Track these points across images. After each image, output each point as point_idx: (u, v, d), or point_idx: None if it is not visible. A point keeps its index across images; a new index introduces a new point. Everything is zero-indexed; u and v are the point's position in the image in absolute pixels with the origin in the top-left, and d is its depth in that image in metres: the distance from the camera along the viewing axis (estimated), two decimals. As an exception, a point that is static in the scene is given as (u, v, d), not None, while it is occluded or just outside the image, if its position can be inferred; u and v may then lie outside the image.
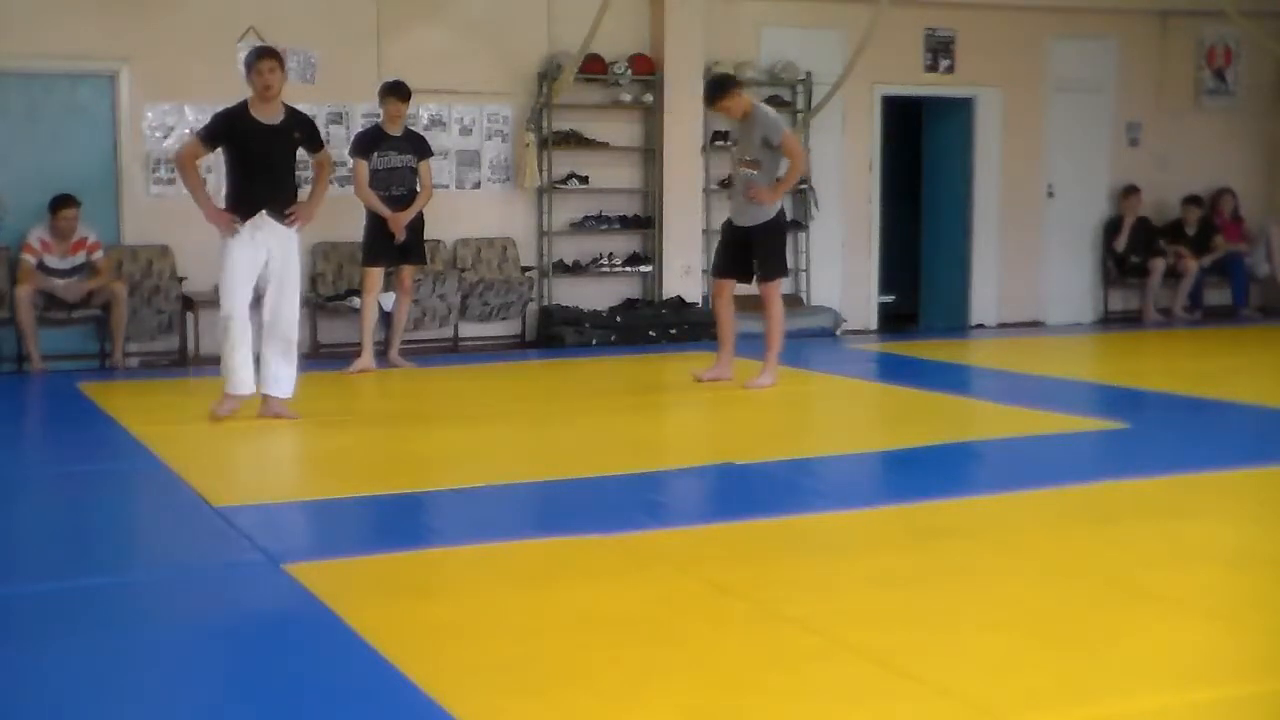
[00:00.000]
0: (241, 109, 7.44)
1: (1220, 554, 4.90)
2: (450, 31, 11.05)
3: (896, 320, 13.05)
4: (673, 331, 11.24)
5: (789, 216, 11.82)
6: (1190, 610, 4.25)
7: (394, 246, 9.59)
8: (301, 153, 7.63)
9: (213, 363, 8.11)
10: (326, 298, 10.56)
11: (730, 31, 11.76)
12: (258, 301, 7.44)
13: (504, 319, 11.20)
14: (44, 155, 10.05)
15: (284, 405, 7.51)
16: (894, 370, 10.25)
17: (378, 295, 9.73)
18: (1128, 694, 3.52)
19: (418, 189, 9.74)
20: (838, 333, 12.01)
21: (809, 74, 12.00)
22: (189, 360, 9.99)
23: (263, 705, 3.49)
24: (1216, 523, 5.35)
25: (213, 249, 7.55)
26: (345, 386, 9.12)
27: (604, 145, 11.51)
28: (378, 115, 10.00)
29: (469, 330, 11.14)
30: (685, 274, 11.63)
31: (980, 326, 12.88)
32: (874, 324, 12.61)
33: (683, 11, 11.51)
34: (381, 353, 9.86)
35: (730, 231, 8.79)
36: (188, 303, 10.01)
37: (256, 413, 7.46)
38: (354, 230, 9.96)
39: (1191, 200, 13.29)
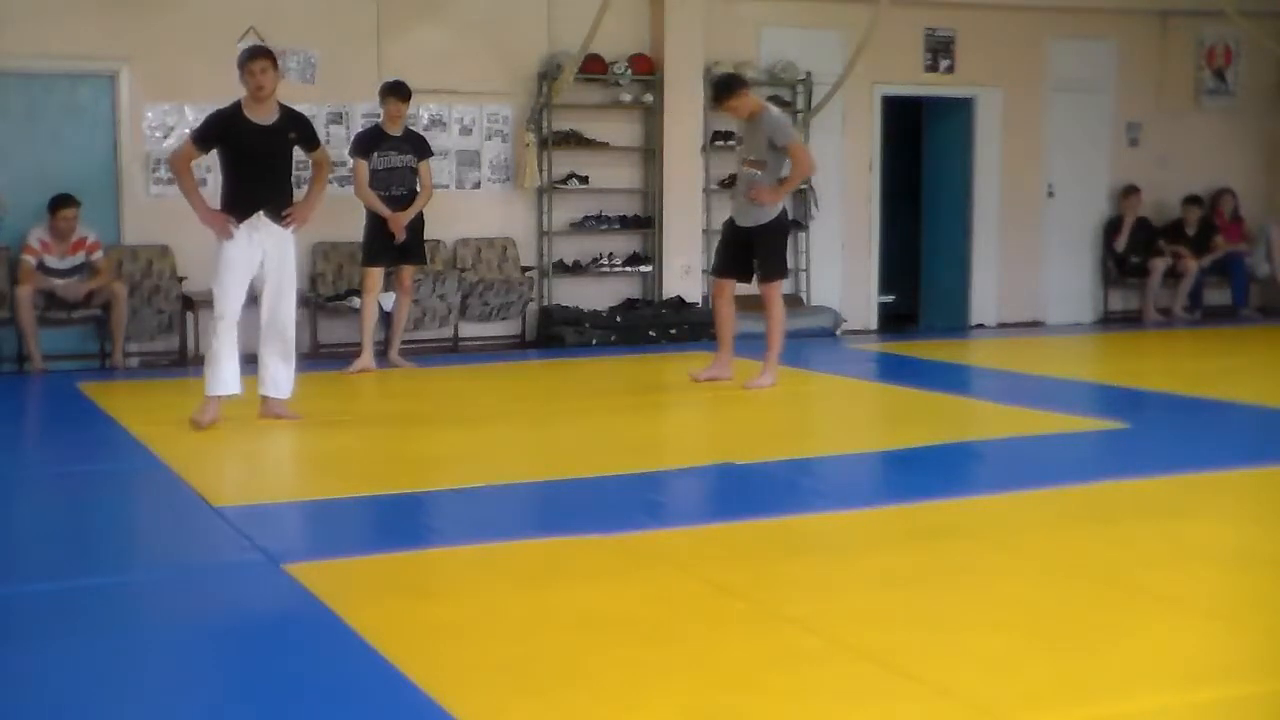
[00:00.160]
0: (235, 110, 7.37)
1: (1220, 554, 4.90)
2: (450, 31, 11.05)
3: (896, 320, 13.05)
4: (673, 331, 11.24)
5: (790, 216, 11.87)
6: (1190, 610, 4.25)
7: (394, 246, 9.59)
8: (301, 152, 7.60)
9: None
10: (326, 298, 10.56)
11: (730, 31, 11.76)
12: (254, 302, 7.39)
13: (504, 319, 11.20)
14: (44, 155, 10.05)
15: (284, 406, 7.50)
16: (894, 370, 10.25)
17: (378, 295, 9.73)
18: (1128, 694, 3.52)
19: (418, 189, 9.74)
20: (838, 333, 12.01)
21: (809, 74, 12.00)
22: (189, 360, 9.98)
23: (263, 705, 3.49)
24: (1216, 523, 5.35)
25: (213, 249, 7.50)
26: (345, 386, 9.12)
27: (604, 145, 11.51)
28: (378, 115, 10.00)
29: (469, 330, 11.14)
30: (685, 274, 11.63)
31: (980, 326, 12.88)
32: (874, 324, 12.61)
33: (683, 11, 11.51)
34: (381, 353, 9.86)
35: (731, 231, 8.79)
36: (188, 303, 10.02)
37: (257, 413, 7.45)
38: (354, 230, 9.96)
39: (1191, 200, 13.29)
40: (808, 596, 4.38)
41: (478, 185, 11.26)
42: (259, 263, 7.29)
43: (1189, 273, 13.07)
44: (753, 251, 8.61)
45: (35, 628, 4.14)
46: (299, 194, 7.69)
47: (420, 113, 10.74)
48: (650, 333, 11.21)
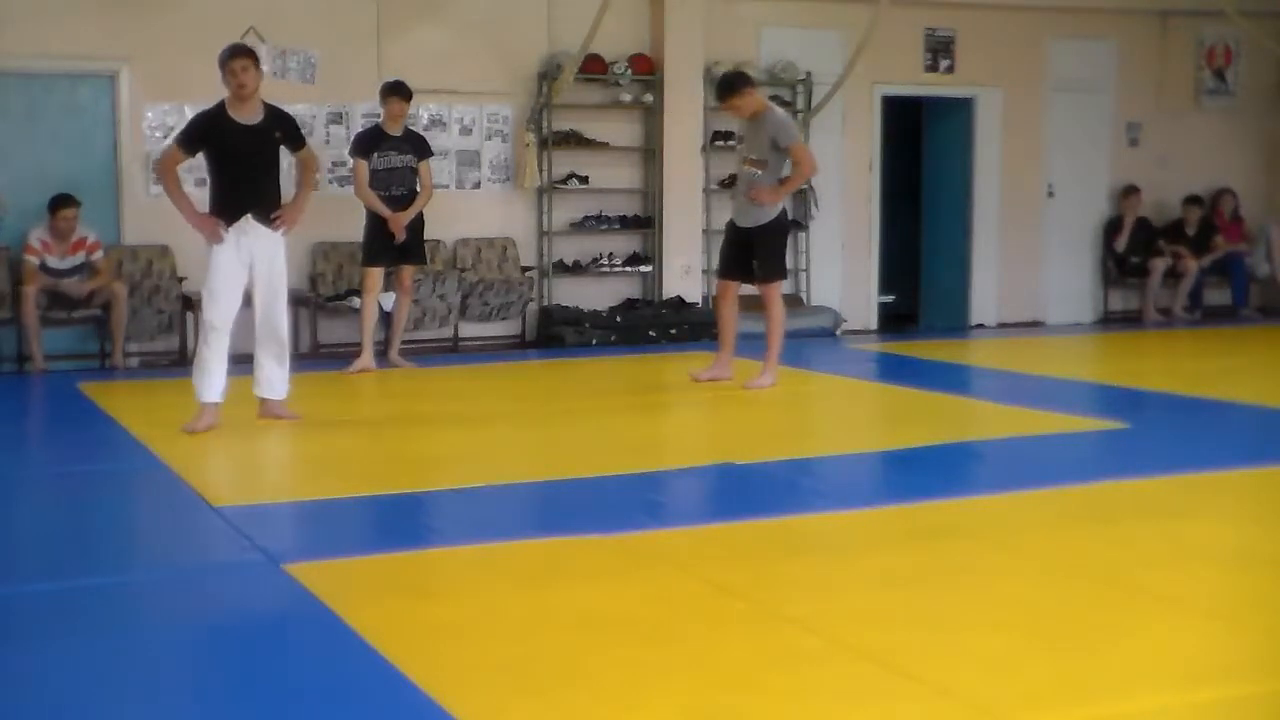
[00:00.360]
0: (219, 110, 7.25)
1: (1220, 554, 4.90)
2: (450, 31, 11.05)
3: (896, 320, 13.05)
4: (673, 331, 11.24)
5: (790, 217, 11.88)
6: (1190, 610, 4.25)
7: (394, 246, 9.59)
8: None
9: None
10: (326, 298, 10.56)
11: (730, 31, 11.76)
12: (248, 304, 7.32)
13: (504, 319, 11.20)
14: (44, 155, 10.05)
15: (284, 406, 7.49)
16: (894, 370, 10.25)
17: (378, 295, 9.73)
18: (1128, 694, 3.52)
19: (418, 189, 9.74)
20: (838, 333, 12.01)
21: (809, 74, 12.00)
22: (189, 360, 9.95)
23: (263, 705, 3.49)
24: (1216, 523, 5.35)
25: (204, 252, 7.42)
26: (345, 386, 9.12)
27: (604, 145, 11.51)
28: (378, 115, 10.00)
29: (469, 330, 11.14)
30: (685, 274, 11.63)
31: (980, 326, 12.88)
32: (874, 324, 12.61)
33: (683, 11, 11.51)
34: (381, 353, 9.86)
35: (733, 232, 8.79)
36: (188, 303, 10.01)
37: (256, 414, 7.45)
38: (354, 230, 9.96)
39: (1192, 200, 13.29)
40: (808, 596, 4.38)
41: (478, 185, 11.26)
42: (250, 266, 7.19)
43: (1189, 273, 13.07)
44: (752, 252, 8.61)
45: (35, 628, 4.14)
46: (291, 195, 7.61)
47: (420, 113, 10.74)
48: (650, 333, 11.21)
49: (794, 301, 11.81)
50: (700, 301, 11.57)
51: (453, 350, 11.01)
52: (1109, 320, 13.34)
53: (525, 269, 11.28)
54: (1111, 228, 13.19)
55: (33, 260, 9.62)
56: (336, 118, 10.74)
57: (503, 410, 8.14)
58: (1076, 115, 13.08)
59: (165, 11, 10.18)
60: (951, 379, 9.42)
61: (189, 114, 9.93)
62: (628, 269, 11.64)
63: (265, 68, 10.39)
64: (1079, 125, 13.11)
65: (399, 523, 5.51)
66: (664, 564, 4.72)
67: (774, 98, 11.47)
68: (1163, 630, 4.04)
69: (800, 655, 3.81)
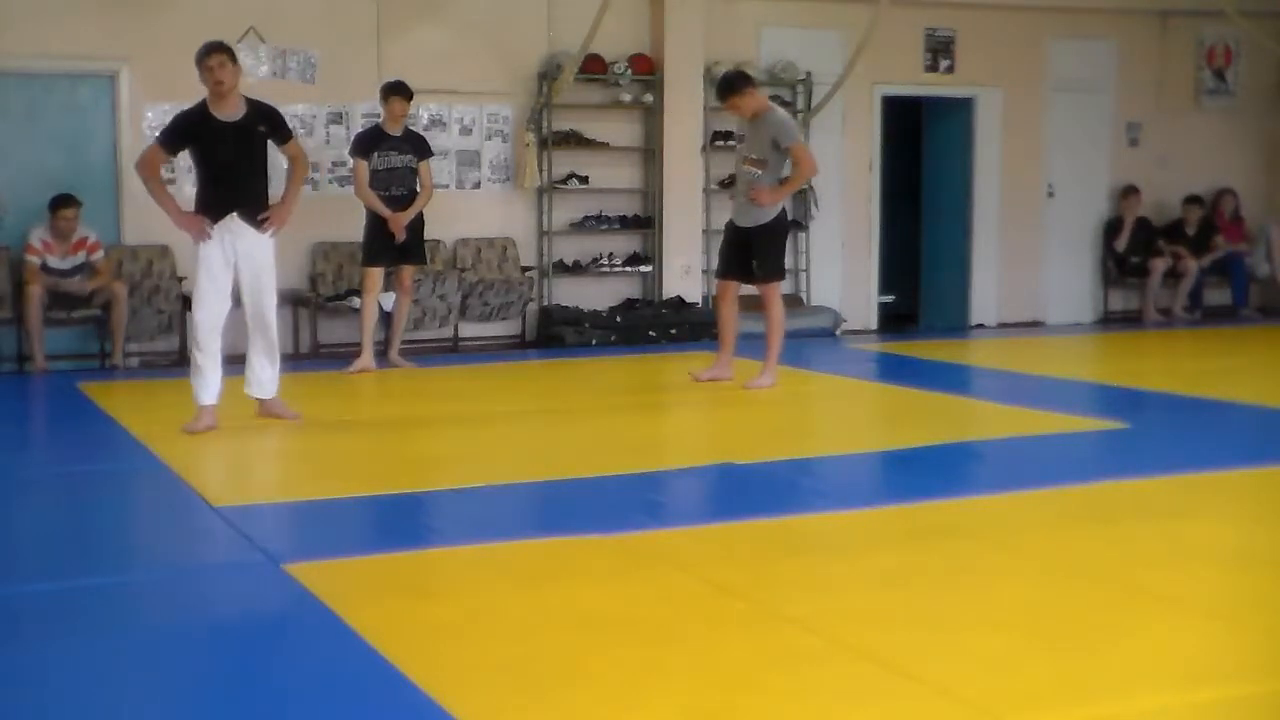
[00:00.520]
0: (200, 108, 7.15)
1: (1220, 554, 4.90)
2: (450, 31, 11.05)
3: (896, 320, 13.05)
4: (673, 331, 11.24)
5: (790, 217, 11.88)
6: (1190, 610, 4.25)
7: (394, 246, 9.59)
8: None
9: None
10: (326, 298, 10.56)
11: (730, 31, 11.76)
12: (239, 303, 7.26)
13: (504, 319, 11.20)
14: (44, 155, 10.05)
15: (282, 405, 7.47)
16: (894, 370, 10.25)
17: (378, 295, 9.73)
18: (1128, 694, 3.52)
19: (418, 189, 9.74)
20: (838, 333, 12.01)
21: (809, 74, 12.00)
22: (189, 360, 9.96)
23: (263, 705, 3.49)
24: (1216, 523, 5.35)
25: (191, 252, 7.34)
26: (345, 386, 9.12)
27: (604, 145, 11.51)
28: (378, 115, 10.01)
29: (469, 330, 11.14)
30: (685, 274, 11.63)
31: (980, 326, 12.88)
32: (874, 324, 12.62)
33: (683, 11, 11.51)
34: (381, 353, 9.86)
35: (732, 232, 8.79)
36: (187, 303, 9.95)
37: (255, 413, 7.44)
38: (354, 230, 9.96)
39: (1192, 200, 13.29)
40: (808, 596, 4.38)
41: (478, 185, 11.26)
42: (235, 265, 7.12)
43: (1189, 273, 13.07)
44: (751, 252, 8.61)
45: (35, 628, 4.14)
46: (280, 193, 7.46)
47: (420, 113, 10.74)
48: (650, 333, 11.21)
49: (794, 301, 11.81)
50: (700, 301, 11.57)
51: (453, 350, 11.01)
52: (1109, 320, 13.34)
53: (525, 269, 11.28)
54: (1111, 228, 13.19)
55: (34, 260, 9.63)
56: (336, 118, 10.74)
57: (503, 410, 8.14)
58: (1076, 115, 13.08)
59: (165, 11, 10.18)
60: (951, 379, 9.42)
61: (187, 114, 10.06)
62: (628, 269, 11.64)
63: (265, 68, 10.52)
64: (1079, 125, 13.12)
65: (399, 523, 5.51)
66: (664, 564, 4.72)
67: (774, 98, 11.45)
68: (1163, 630, 4.04)
69: (800, 655, 3.81)
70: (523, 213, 11.40)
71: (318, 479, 6.26)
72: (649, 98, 11.51)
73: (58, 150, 10.10)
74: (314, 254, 10.67)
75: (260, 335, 7.29)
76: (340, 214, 10.28)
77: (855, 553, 4.94)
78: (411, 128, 10.04)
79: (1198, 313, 13.21)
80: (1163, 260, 13.03)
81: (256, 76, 10.45)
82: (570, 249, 11.55)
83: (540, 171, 11.23)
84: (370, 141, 9.67)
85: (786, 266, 9.18)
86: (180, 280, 10.07)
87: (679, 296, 11.53)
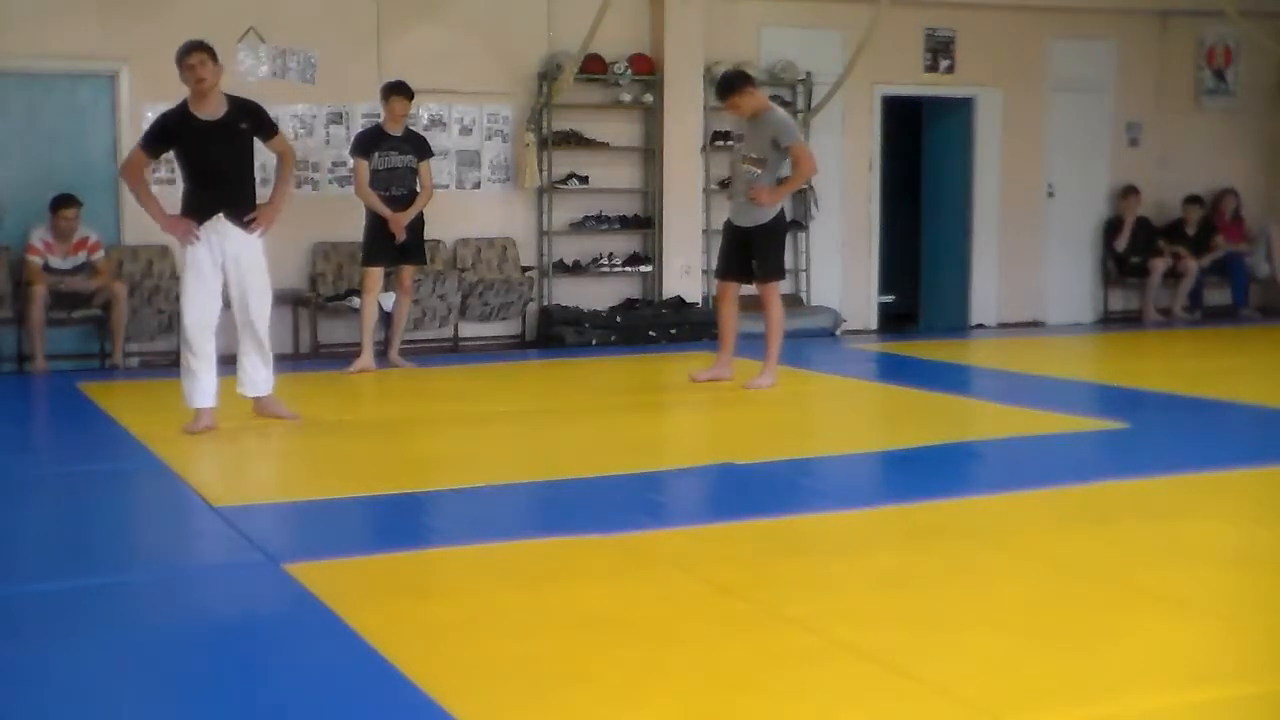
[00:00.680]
0: (181, 109, 7.06)
1: (1220, 554, 4.90)
2: (450, 31, 11.05)
3: (896, 320, 13.05)
4: (673, 331, 11.24)
5: (789, 217, 11.87)
6: (1190, 610, 4.25)
7: (394, 246, 9.59)
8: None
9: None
10: (326, 298, 10.56)
11: (730, 31, 11.76)
12: (229, 305, 7.17)
13: (504, 319, 11.20)
14: (44, 155, 10.06)
15: (280, 404, 7.44)
16: (894, 370, 10.25)
17: (378, 295, 9.73)
18: (1128, 694, 3.52)
19: (418, 189, 9.74)
20: (838, 333, 12.01)
21: (809, 74, 12.00)
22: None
23: (263, 705, 3.49)
24: (1216, 523, 5.35)
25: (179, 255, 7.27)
26: (345, 386, 9.12)
27: (604, 145, 11.51)
28: (378, 115, 10.01)
29: (469, 330, 11.14)
30: (685, 274, 11.63)
31: (980, 326, 12.89)
32: (874, 324, 12.62)
33: (683, 11, 11.51)
34: (381, 353, 9.86)
35: (731, 232, 8.79)
36: (187, 303, 10.00)
37: (252, 412, 7.41)
38: (354, 230, 9.96)
39: (1192, 200, 13.30)
40: (808, 596, 4.38)
41: (478, 185, 11.26)
42: (223, 266, 7.04)
43: (1189, 273, 13.07)
44: (751, 252, 8.60)
45: (35, 628, 4.14)
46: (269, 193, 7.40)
47: (420, 113, 10.73)
48: (650, 333, 11.21)
49: (794, 301, 11.81)
50: (700, 301, 11.57)
51: (453, 350, 11.01)
52: (1109, 320, 13.34)
53: (525, 269, 11.28)
54: (1111, 228, 13.19)
55: (36, 260, 9.64)
56: (336, 118, 10.74)
57: (503, 410, 8.14)
58: (1076, 115, 13.08)
59: (165, 11, 10.18)
60: (951, 379, 9.41)
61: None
62: (628, 269, 11.64)
63: (265, 68, 10.52)
64: (1079, 125, 13.12)
65: (399, 523, 5.51)
66: (664, 564, 4.72)
67: (774, 98, 11.46)
68: (1163, 630, 4.04)
69: (800, 655, 3.81)
70: (523, 213, 11.40)
71: (318, 479, 6.26)
72: (649, 98, 11.51)
73: (58, 150, 10.10)
74: (314, 254, 10.68)
75: (250, 338, 7.19)
76: (340, 214, 10.28)
77: (855, 553, 4.94)
78: (412, 128, 10.04)
79: (1198, 313, 13.21)
80: (1163, 260, 13.03)
81: (256, 76, 10.46)
82: (570, 249, 11.55)
83: (540, 171, 11.23)
84: (370, 141, 9.67)
85: (786, 266, 9.18)
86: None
87: (679, 296, 11.53)
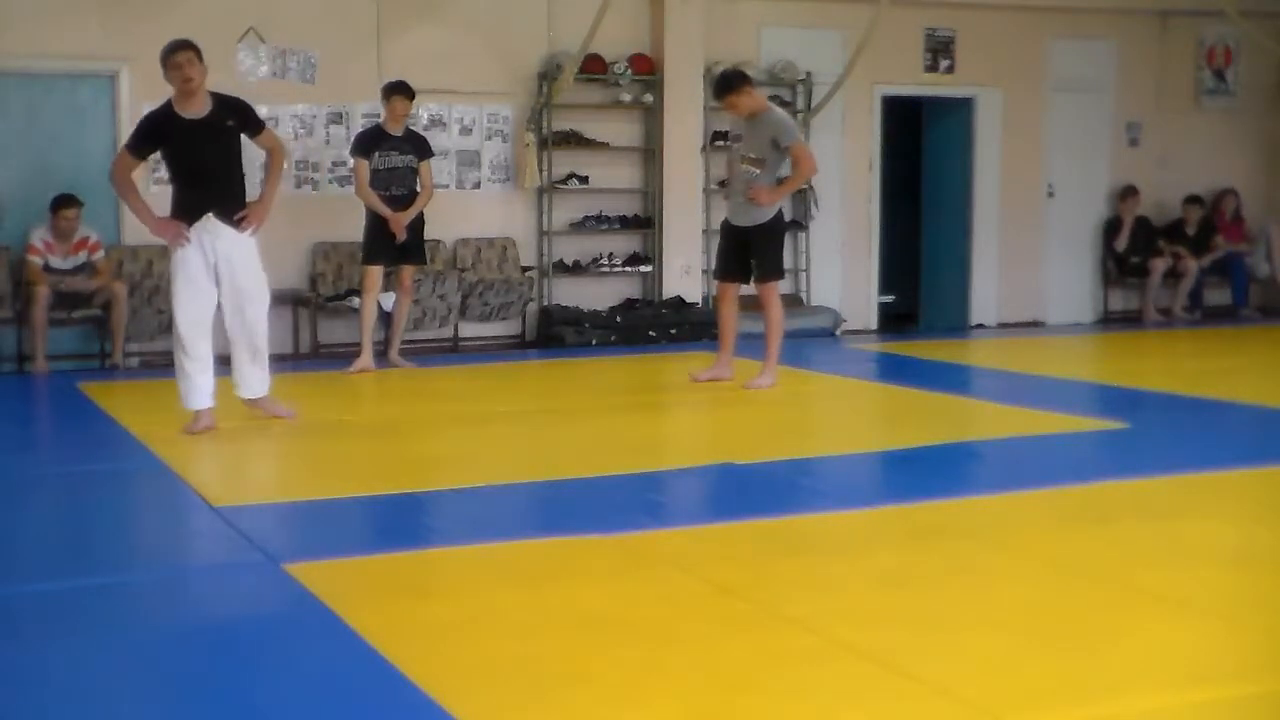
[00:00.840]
0: (166, 109, 7.02)
1: (1220, 554, 4.90)
2: (450, 31, 11.05)
3: (896, 320, 13.05)
4: (673, 331, 11.24)
5: (789, 217, 11.86)
6: (1190, 610, 4.25)
7: (394, 246, 9.60)
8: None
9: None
10: (326, 298, 10.56)
11: (730, 31, 11.76)
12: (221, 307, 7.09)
13: (504, 319, 11.21)
14: (44, 155, 10.06)
15: (276, 402, 7.40)
16: (894, 370, 10.25)
17: (377, 295, 9.73)
18: (1128, 694, 3.52)
19: (418, 189, 9.74)
20: (838, 333, 12.01)
21: (809, 74, 12.00)
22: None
23: (263, 705, 3.49)
24: (1216, 523, 5.35)
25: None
26: (345, 386, 9.12)
27: (604, 145, 11.51)
28: (378, 115, 10.01)
29: (469, 330, 11.14)
30: (685, 274, 11.63)
31: (980, 326, 12.89)
32: (874, 324, 12.62)
33: (683, 11, 11.51)
34: (381, 353, 9.86)
35: (729, 232, 8.78)
36: (187, 303, 10.00)
37: (247, 411, 7.37)
38: (354, 230, 9.95)
39: (1192, 200, 13.30)
40: (808, 596, 4.38)
41: (478, 185, 11.26)
42: (216, 267, 6.97)
43: (1189, 273, 13.07)
44: (750, 252, 8.60)
45: (35, 628, 4.14)
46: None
47: (420, 113, 10.73)
48: (650, 333, 11.21)
49: (794, 301, 11.81)
50: (700, 301, 11.57)
51: (453, 350, 11.01)
52: (1109, 320, 13.35)
53: (525, 269, 11.28)
54: (1111, 228, 13.19)
55: (37, 261, 9.64)
56: (336, 118, 10.74)
57: (503, 410, 8.13)
58: (1076, 115, 13.08)
59: (165, 11, 10.17)
60: (951, 379, 9.41)
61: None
62: (628, 269, 11.64)
63: (265, 68, 10.52)
64: (1079, 125, 13.12)
65: (399, 523, 5.51)
66: (664, 564, 4.72)
67: (774, 98, 11.48)
68: (1163, 630, 4.04)
69: (800, 655, 3.81)
70: (523, 213, 11.40)
71: (318, 479, 6.26)
72: (649, 98, 11.51)
73: (58, 150, 10.10)
74: (314, 254, 10.68)
75: (244, 340, 7.11)
76: (340, 214, 10.27)
77: (855, 553, 4.94)
78: (412, 128, 10.04)
79: (1198, 313, 13.21)
80: (1163, 260, 13.03)
81: (256, 76, 10.47)
82: (570, 249, 11.55)
83: (540, 171, 11.23)
84: (371, 141, 9.67)
85: (786, 266, 9.17)
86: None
87: (679, 296, 11.53)
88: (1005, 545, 4.98)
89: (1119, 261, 13.18)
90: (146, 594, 4.50)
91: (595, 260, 11.56)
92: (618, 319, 11.27)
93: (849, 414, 8.47)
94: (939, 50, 12.59)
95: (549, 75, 11.14)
